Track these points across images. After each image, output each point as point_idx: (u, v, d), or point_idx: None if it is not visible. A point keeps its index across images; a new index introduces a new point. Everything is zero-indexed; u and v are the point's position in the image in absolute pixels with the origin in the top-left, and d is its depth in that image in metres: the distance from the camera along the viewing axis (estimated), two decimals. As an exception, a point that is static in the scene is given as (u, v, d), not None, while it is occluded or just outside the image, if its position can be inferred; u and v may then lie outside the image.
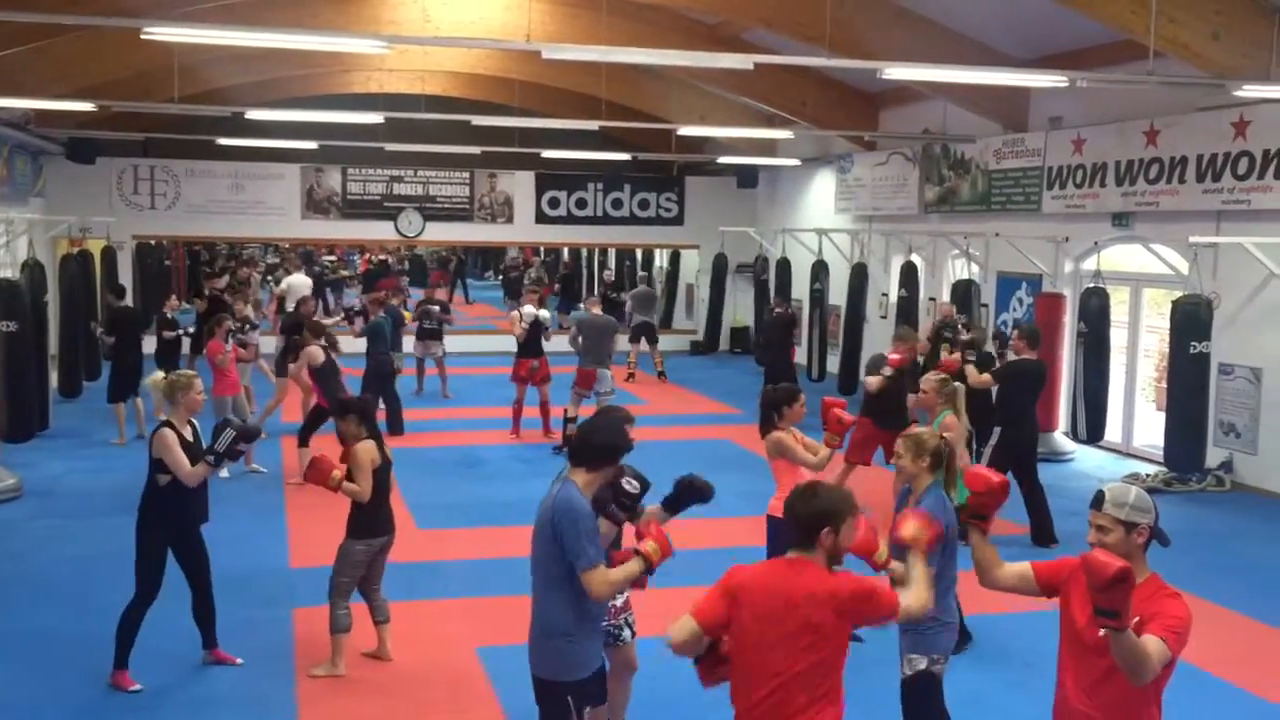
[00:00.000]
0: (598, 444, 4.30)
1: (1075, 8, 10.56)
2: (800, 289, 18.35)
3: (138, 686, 6.14)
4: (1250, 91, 9.75)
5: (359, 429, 6.39)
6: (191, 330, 13.63)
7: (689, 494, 4.78)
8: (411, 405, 14.68)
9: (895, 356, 9.86)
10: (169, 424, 6.15)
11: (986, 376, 9.75)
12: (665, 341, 20.11)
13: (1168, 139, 11.84)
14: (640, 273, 26.36)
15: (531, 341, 13.10)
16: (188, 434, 6.20)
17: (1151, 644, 3.32)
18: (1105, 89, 11.54)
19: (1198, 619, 3.58)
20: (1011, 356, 9.94)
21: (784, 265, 18.67)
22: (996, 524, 4.03)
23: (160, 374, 6.66)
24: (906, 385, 9.81)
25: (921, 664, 4.77)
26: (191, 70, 15.44)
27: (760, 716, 3.62)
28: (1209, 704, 6.12)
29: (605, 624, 4.72)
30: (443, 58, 17.51)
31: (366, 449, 6.31)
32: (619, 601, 5.10)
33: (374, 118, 15.17)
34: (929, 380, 7.87)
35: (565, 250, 30.26)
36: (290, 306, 16.47)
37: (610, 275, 22.74)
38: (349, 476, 6.27)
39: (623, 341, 16.41)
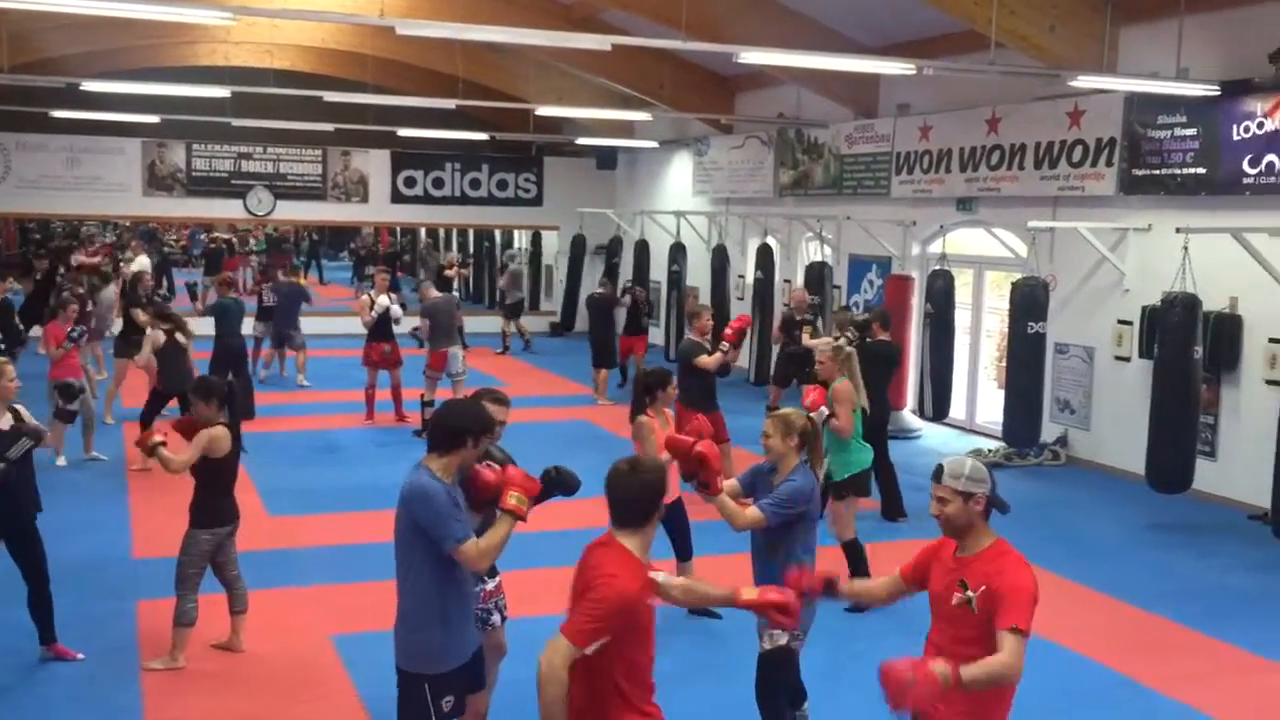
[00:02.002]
0: (449, 427, 4.22)
1: (923, -2, 10.88)
2: (659, 270, 18.49)
3: (-32, 686, 5.85)
4: (1084, 82, 10.19)
5: (217, 414, 6.17)
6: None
7: (555, 486, 4.72)
8: (263, 389, 14.31)
9: (729, 331, 9.65)
10: None
11: (823, 340, 10.07)
12: (525, 322, 20.20)
13: (1008, 127, 12.30)
14: (509, 251, 26.12)
15: (382, 325, 12.93)
16: (3, 424, 5.87)
17: (1006, 642, 3.44)
18: (950, 77, 11.91)
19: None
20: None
21: (642, 247, 18.79)
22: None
23: None
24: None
25: (783, 639, 4.85)
26: (23, 38, 14.63)
27: None
28: (1046, 669, 6.39)
29: (476, 608, 4.67)
30: (292, 31, 17.01)
31: (213, 434, 6.08)
32: (490, 585, 5.03)
33: (220, 91, 14.64)
34: (823, 349, 7.87)
35: (423, 231, 29.76)
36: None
37: (455, 256, 22.27)
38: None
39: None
